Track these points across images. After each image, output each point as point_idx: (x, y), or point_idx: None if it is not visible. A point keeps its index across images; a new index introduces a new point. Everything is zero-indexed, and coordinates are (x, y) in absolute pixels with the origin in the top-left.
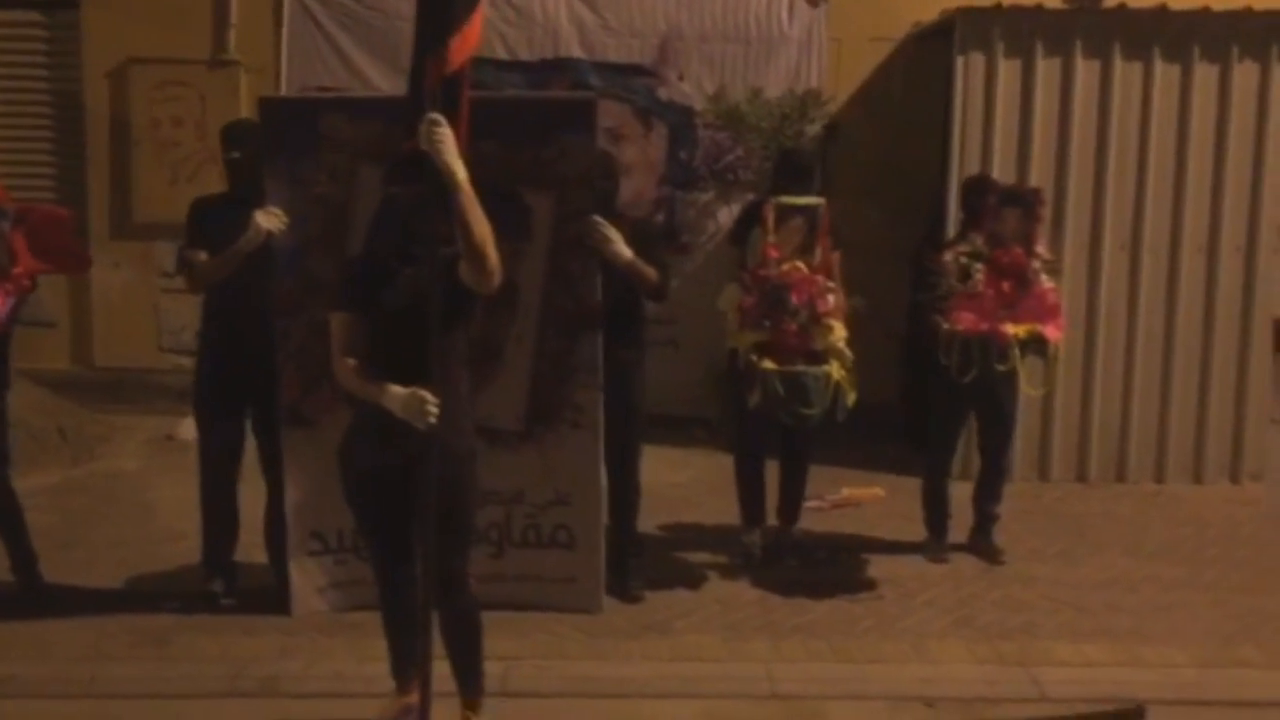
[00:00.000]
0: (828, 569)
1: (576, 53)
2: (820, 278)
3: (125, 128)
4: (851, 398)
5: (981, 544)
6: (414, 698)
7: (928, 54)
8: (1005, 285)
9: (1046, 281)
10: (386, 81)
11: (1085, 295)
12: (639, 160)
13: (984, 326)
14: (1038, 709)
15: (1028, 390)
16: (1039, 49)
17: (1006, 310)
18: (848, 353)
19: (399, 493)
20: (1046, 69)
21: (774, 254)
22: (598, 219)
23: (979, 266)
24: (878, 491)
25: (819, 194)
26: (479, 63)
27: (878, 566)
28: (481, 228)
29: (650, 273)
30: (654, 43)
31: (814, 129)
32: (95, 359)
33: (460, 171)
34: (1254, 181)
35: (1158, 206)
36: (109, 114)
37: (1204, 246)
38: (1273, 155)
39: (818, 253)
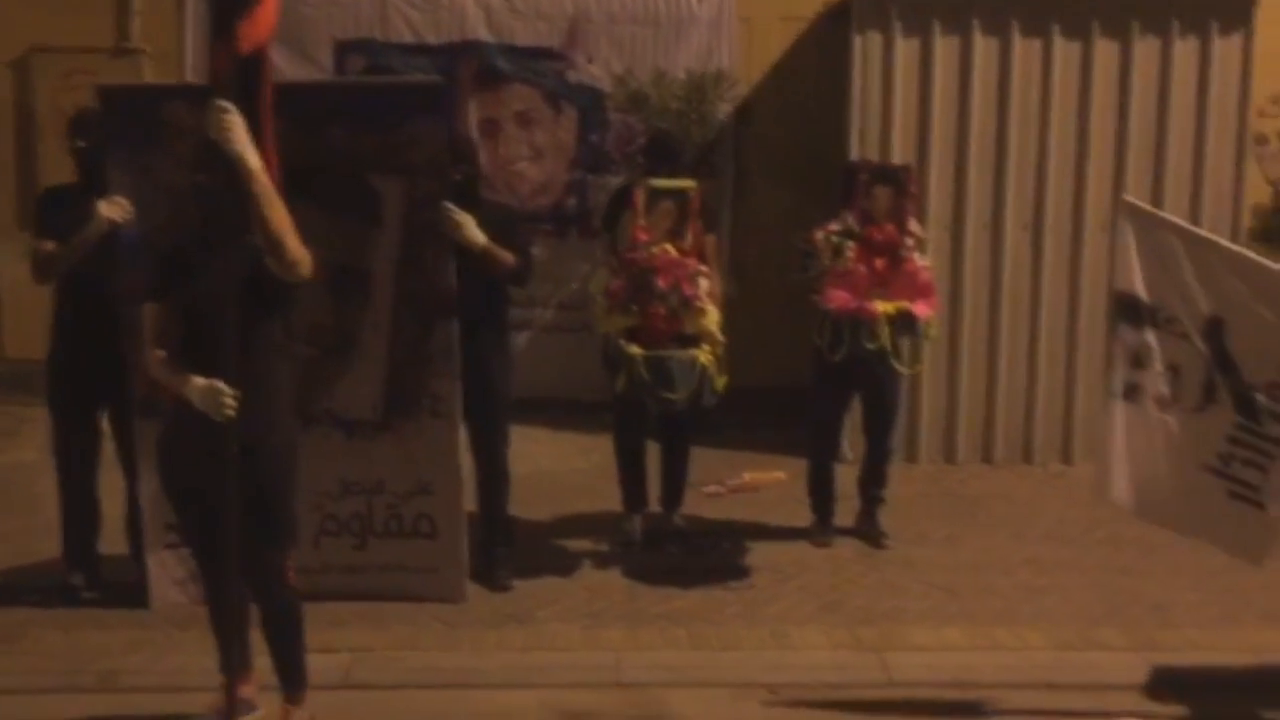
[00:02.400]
0: (707, 555)
1: (483, 35)
2: (691, 261)
3: (30, 117)
4: (721, 382)
5: (866, 527)
6: (244, 690)
7: (838, 33)
8: (878, 263)
9: (919, 259)
10: (292, 68)
11: (989, 276)
12: (549, 144)
13: (852, 305)
14: (881, 693)
15: (898, 369)
16: (937, 27)
17: (880, 289)
18: (719, 336)
19: (211, 489)
20: (945, 47)
21: (643, 237)
22: (448, 205)
23: (850, 244)
24: (779, 475)
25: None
26: (385, 47)
27: (759, 552)
28: (277, 216)
29: (506, 257)
30: (562, 25)
31: (723, 110)
32: (5, 350)
33: (251, 160)
34: (1155, 162)
35: (1059, 186)
36: (14, 103)
37: (1105, 225)
38: (1175, 134)
39: (688, 236)
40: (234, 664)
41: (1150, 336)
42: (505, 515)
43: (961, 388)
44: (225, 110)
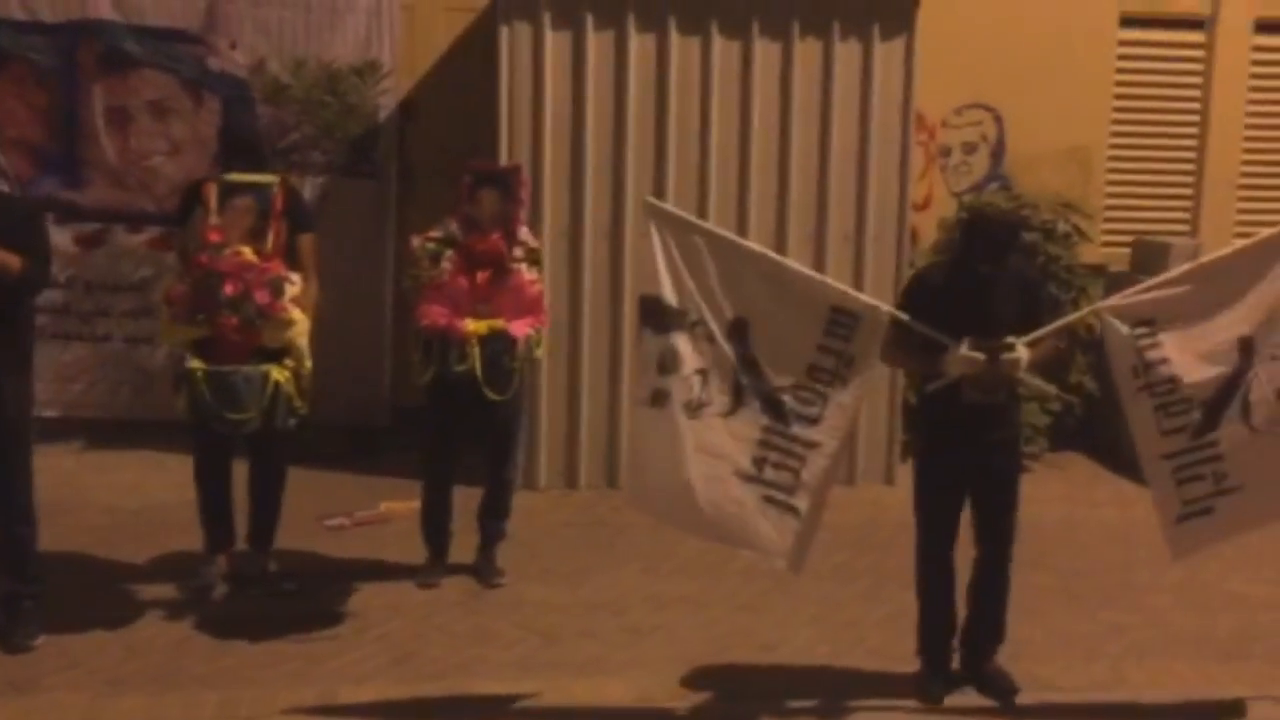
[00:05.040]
0: (293, 601)
1: (108, 14)
2: (272, 265)
3: None
4: (301, 404)
5: (480, 564)
6: None
7: None
8: (480, 275)
9: (528, 272)
10: None
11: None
12: (188, 137)
13: (442, 322)
14: None
15: (492, 396)
16: (590, 21)
17: (483, 304)
18: (305, 350)
19: None
20: (599, 42)
21: (214, 238)
22: None
23: (449, 254)
24: (416, 505)
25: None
26: None
27: (358, 596)
28: None
29: (11, 260)
30: (199, 6)
31: (380, 103)
32: None
33: None
34: (820, 164)
35: (721, 191)
36: None
37: (771, 234)
38: (838, 139)
39: (269, 237)
40: None
41: (677, 341)
42: (28, 562)
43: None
44: None
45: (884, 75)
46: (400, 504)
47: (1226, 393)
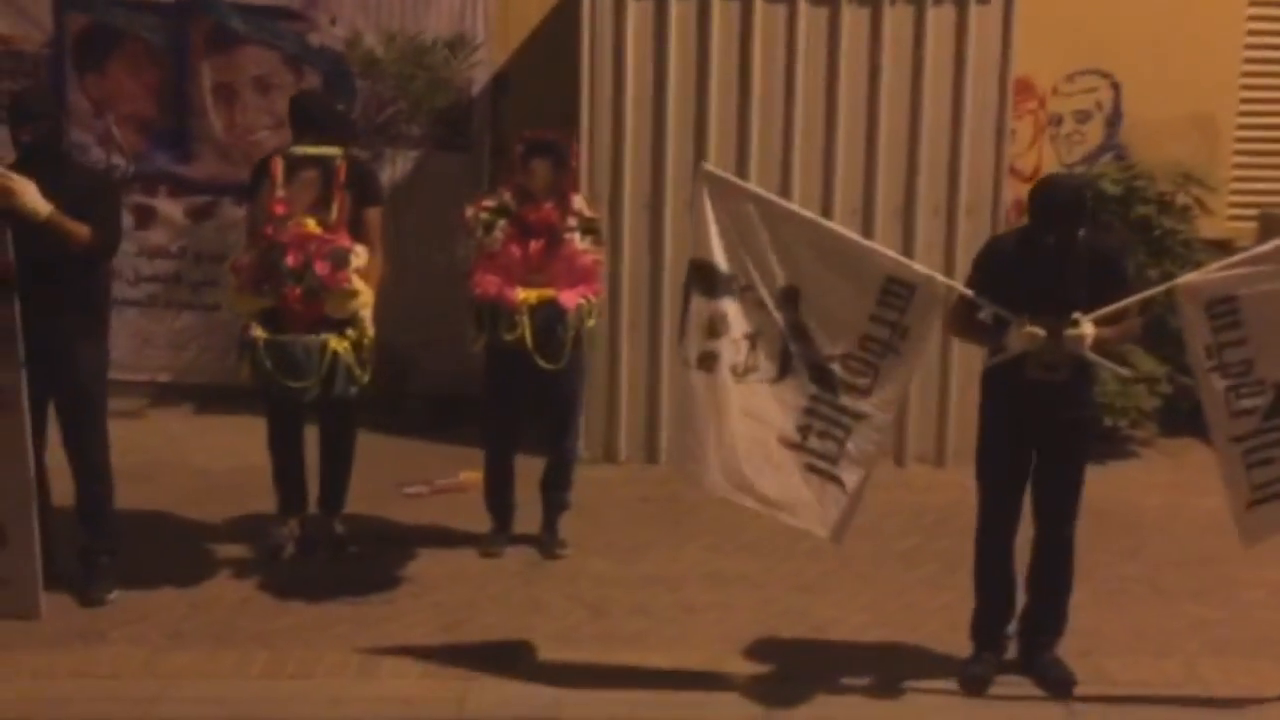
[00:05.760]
0: (356, 565)
1: None
2: (334, 237)
3: None
4: (361, 373)
5: (543, 536)
6: None
7: None
8: (534, 245)
9: (581, 242)
10: (9, 26)
11: None
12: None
13: (492, 290)
14: None
15: (544, 365)
16: None
17: (537, 274)
18: (369, 322)
19: None
20: (681, 10)
21: (279, 210)
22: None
23: (502, 224)
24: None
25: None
26: (110, 4)
27: (419, 562)
28: None
29: (78, 230)
30: None
31: (471, 77)
32: None
33: None
34: (910, 135)
35: (805, 162)
36: None
37: (858, 208)
38: (930, 101)
39: (333, 209)
40: None
41: (727, 305)
42: (104, 519)
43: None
44: None
45: (980, 40)
46: (479, 473)
47: None
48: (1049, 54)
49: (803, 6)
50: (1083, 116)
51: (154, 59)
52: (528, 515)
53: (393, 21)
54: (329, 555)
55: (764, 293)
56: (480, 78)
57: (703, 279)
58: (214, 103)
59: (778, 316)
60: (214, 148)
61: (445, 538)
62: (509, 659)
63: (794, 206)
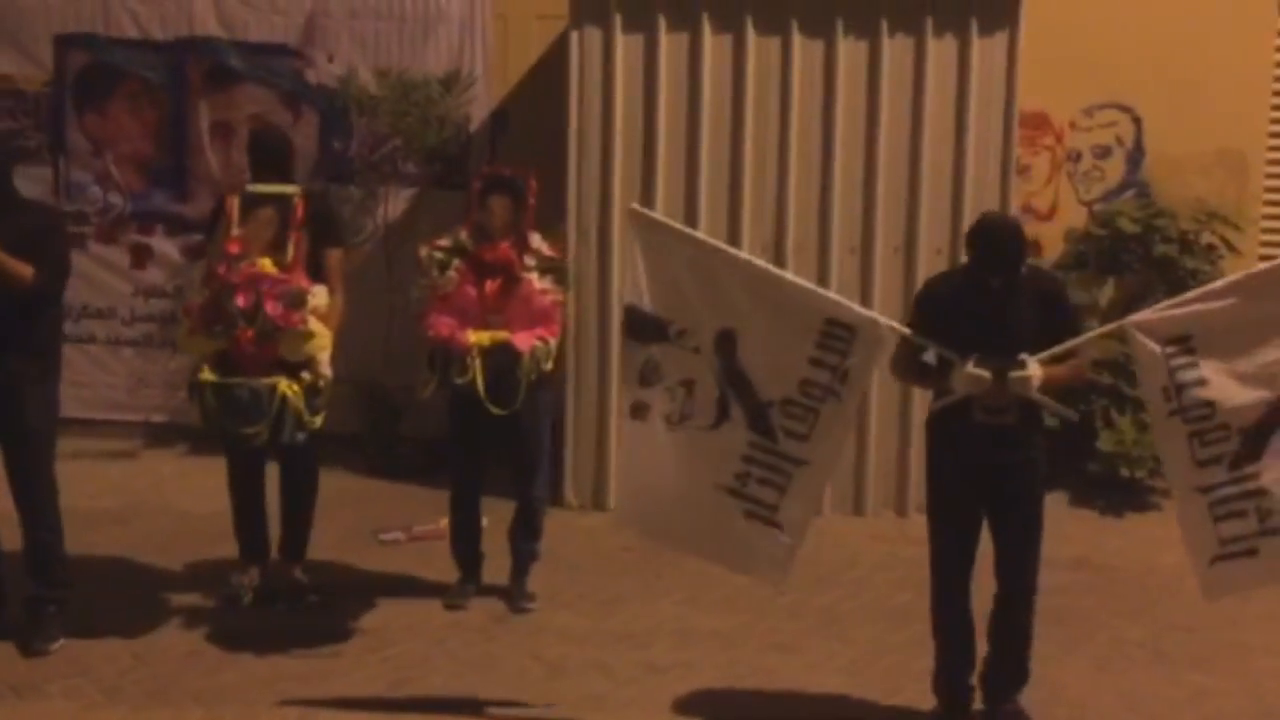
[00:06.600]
0: (314, 615)
1: (214, 31)
2: (288, 277)
3: None
4: (314, 418)
5: (510, 588)
6: None
7: None
8: (490, 285)
9: (540, 281)
10: (10, 64)
11: None
12: None
13: (444, 332)
14: None
15: (495, 410)
16: (662, 22)
17: (494, 314)
18: (323, 366)
19: None
20: (671, 44)
21: (233, 249)
22: None
23: (456, 263)
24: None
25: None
26: (111, 43)
27: (378, 613)
28: None
29: (21, 269)
30: (299, 20)
31: (467, 113)
32: None
33: None
34: (910, 173)
35: (801, 202)
36: None
37: (855, 248)
38: (931, 138)
39: (289, 248)
40: None
41: (659, 351)
42: (51, 567)
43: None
44: None
45: (983, 74)
46: None
47: (1271, 420)
48: (1066, 87)
49: (797, 39)
50: (1102, 152)
51: (152, 97)
52: (502, 565)
53: (390, 58)
54: (287, 605)
55: (699, 338)
56: (478, 114)
57: (635, 324)
58: (211, 141)
59: (714, 361)
60: (211, 186)
61: (412, 587)
62: (454, 717)
63: (728, 248)
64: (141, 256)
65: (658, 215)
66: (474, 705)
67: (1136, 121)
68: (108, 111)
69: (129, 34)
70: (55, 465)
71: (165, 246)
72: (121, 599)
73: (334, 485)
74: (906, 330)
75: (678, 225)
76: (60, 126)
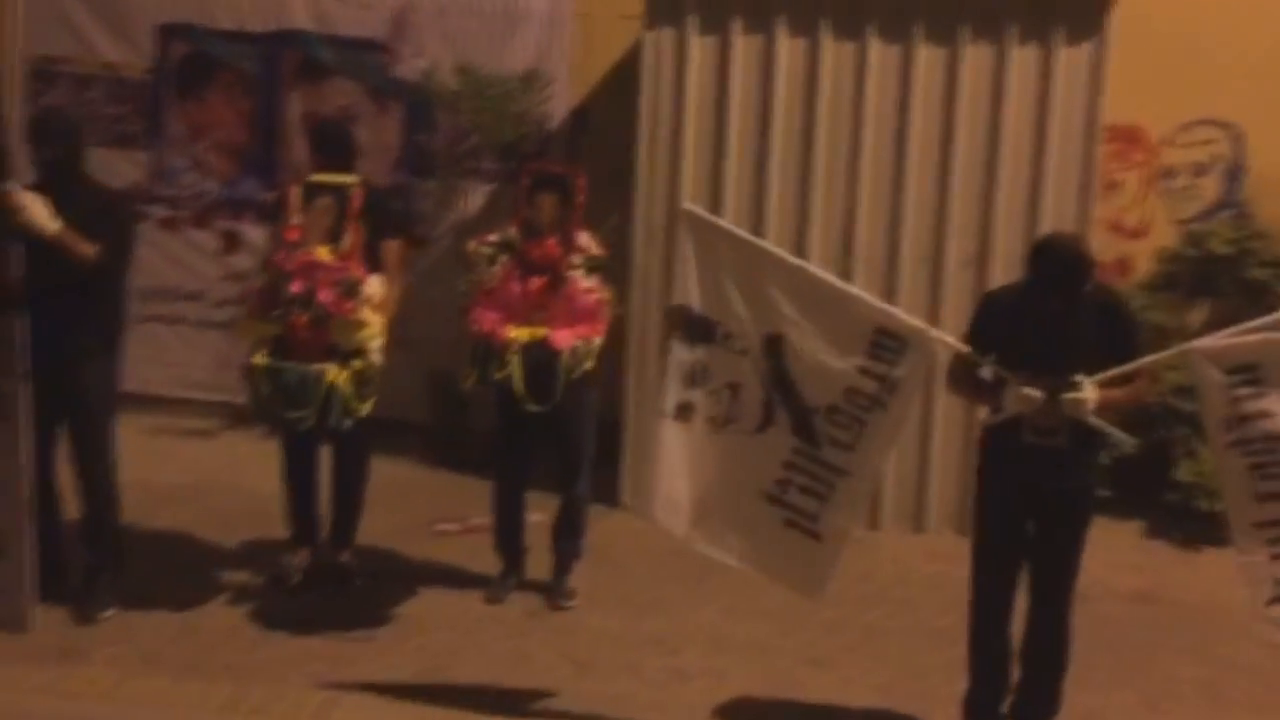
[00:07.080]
0: (356, 600)
1: (305, 24)
2: (343, 265)
3: None
4: (361, 405)
5: (552, 584)
6: None
7: None
8: (534, 282)
9: (584, 279)
10: (115, 52)
11: None
12: (372, 143)
13: (486, 328)
14: None
15: (532, 407)
16: (737, 25)
17: (538, 311)
18: (374, 354)
19: None
20: (746, 47)
21: (291, 237)
22: (11, 186)
23: (503, 259)
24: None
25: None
26: (210, 34)
27: (418, 602)
28: None
29: (85, 248)
30: (388, 15)
31: (547, 110)
32: None
33: None
34: (986, 183)
35: (872, 212)
36: None
37: (926, 257)
38: (1010, 150)
39: (346, 238)
40: None
41: (706, 353)
42: (106, 537)
43: None
44: None
45: (1067, 85)
46: None
47: None
48: (1161, 100)
49: (874, 44)
50: (1199, 169)
51: (247, 88)
52: (550, 560)
53: (475, 55)
54: (333, 588)
55: (748, 340)
56: (558, 112)
57: (683, 325)
58: (300, 132)
59: (761, 365)
60: (299, 176)
61: (456, 578)
62: (475, 711)
63: (780, 251)
64: (232, 242)
65: (710, 216)
66: (496, 698)
67: (1237, 138)
68: (204, 100)
69: (227, 26)
70: (115, 439)
71: (254, 234)
72: (177, 573)
73: (400, 474)
74: (958, 344)
75: (730, 227)
76: (159, 113)
